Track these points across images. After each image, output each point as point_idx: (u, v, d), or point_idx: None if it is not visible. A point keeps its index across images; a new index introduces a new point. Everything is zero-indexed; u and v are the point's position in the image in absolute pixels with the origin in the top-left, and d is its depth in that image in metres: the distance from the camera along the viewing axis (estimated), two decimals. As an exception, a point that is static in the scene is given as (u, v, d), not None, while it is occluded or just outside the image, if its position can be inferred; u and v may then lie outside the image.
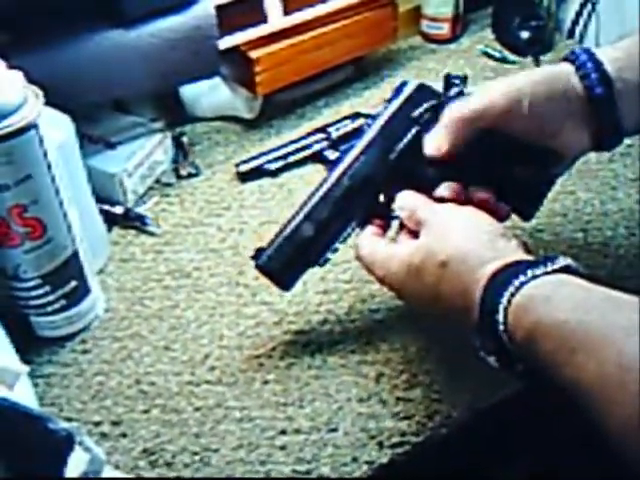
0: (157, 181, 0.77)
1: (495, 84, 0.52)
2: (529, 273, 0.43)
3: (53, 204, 0.53)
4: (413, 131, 0.53)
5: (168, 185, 0.77)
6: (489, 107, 0.50)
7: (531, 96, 0.50)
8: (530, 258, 0.46)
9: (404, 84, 0.55)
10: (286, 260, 0.54)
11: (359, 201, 0.54)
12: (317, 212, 0.54)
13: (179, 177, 0.78)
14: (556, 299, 0.41)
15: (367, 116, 0.81)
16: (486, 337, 0.45)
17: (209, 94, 0.83)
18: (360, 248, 0.53)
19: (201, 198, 0.76)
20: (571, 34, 0.96)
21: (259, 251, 0.55)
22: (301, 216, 0.54)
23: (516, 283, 0.42)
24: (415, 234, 0.50)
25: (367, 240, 0.53)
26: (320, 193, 0.54)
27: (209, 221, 0.73)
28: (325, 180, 0.54)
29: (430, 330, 0.60)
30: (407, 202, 0.52)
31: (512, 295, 0.42)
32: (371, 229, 0.54)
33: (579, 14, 0.95)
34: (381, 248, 0.52)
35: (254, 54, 0.76)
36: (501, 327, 0.43)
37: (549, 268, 0.43)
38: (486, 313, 0.44)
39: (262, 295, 0.64)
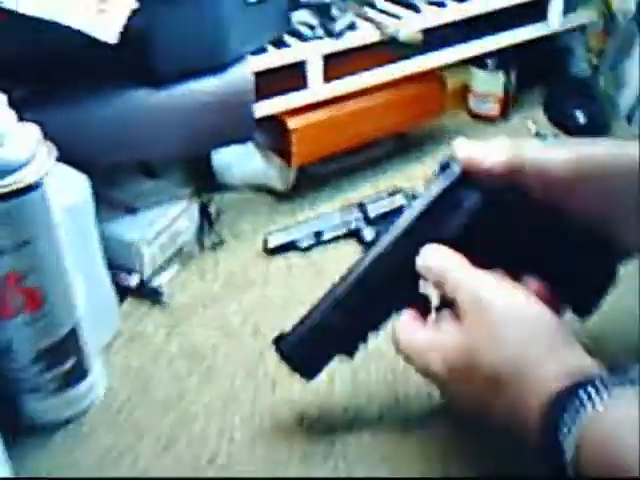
0: (179, 251, 0.72)
1: (559, 146, 0.46)
2: (604, 396, 0.35)
3: (55, 273, 0.47)
4: (459, 222, 0.46)
5: (190, 256, 0.72)
6: (550, 164, 0.44)
7: (601, 167, 0.44)
8: (602, 373, 0.38)
9: (447, 164, 0.48)
10: (311, 350, 0.49)
11: (396, 290, 0.47)
12: (349, 300, 0.48)
13: (203, 248, 0.73)
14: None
15: (407, 194, 0.75)
16: (548, 463, 0.37)
17: (241, 162, 0.79)
18: (397, 335, 0.46)
19: (224, 272, 0.70)
20: (629, 120, 0.90)
21: (282, 336, 0.50)
22: (331, 302, 0.48)
23: (589, 411, 0.34)
24: (455, 311, 0.43)
25: (404, 326, 0.46)
26: (353, 278, 0.48)
27: (230, 298, 0.67)
28: (360, 263, 0.48)
29: (479, 444, 0.51)
30: (434, 261, 0.45)
31: (582, 426, 0.34)
32: (409, 312, 0.47)
33: None
34: (419, 336, 0.45)
35: (292, 124, 0.72)
36: (568, 458, 0.35)
37: (630, 391, 0.35)
38: (550, 444, 0.36)
39: (282, 388, 0.57)
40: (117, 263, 0.65)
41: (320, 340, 0.48)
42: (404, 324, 0.46)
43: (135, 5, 0.53)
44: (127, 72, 0.61)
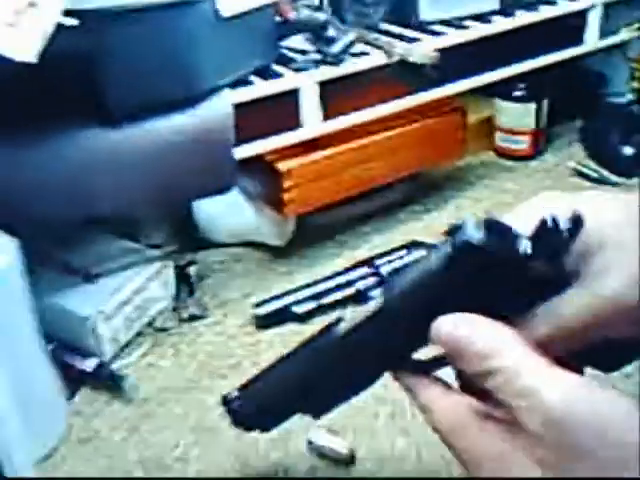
0: (150, 324, 0.59)
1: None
2: None
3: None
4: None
5: (163, 330, 0.59)
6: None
7: None
8: None
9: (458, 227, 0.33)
10: (269, 416, 0.40)
11: (386, 353, 0.34)
12: (322, 361, 0.36)
13: (180, 320, 0.60)
14: None
15: (427, 246, 0.63)
16: None
17: (228, 214, 0.67)
18: (444, 425, 0.32)
19: (204, 350, 0.57)
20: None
21: (235, 397, 0.41)
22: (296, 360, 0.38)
23: None
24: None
25: (451, 412, 0.32)
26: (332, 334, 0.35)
27: (210, 384, 0.54)
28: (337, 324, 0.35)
29: None
30: (482, 336, 0.30)
31: None
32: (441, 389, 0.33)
33: (693, 128, 0.76)
34: (483, 438, 0.30)
35: (283, 166, 0.60)
36: None
37: None
38: None
39: (270, 511, 0.43)
40: (69, 343, 0.53)
41: (280, 405, 0.39)
42: (447, 409, 0.32)
43: (72, 21, 0.41)
44: (74, 108, 0.49)
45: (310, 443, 0.46)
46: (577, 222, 0.30)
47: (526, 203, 0.34)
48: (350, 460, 0.45)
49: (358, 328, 0.33)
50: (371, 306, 0.33)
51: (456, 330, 0.30)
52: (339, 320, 0.35)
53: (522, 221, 0.32)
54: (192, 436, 0.49)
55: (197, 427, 0.50)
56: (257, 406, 0.40)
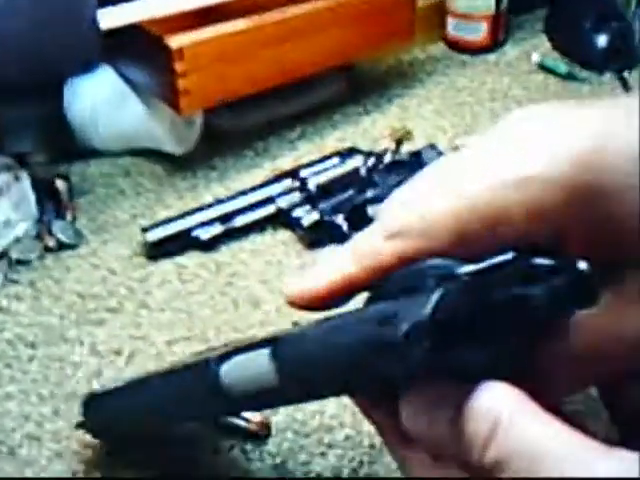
0: (1, 256, 0.45)
1: None
2: None
3: None
4: None
5: (20, 263, 0.45)
6: None
7: None
8: None
9: None
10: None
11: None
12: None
13: (46, 250, 0.46)
14: None
15: (366, 154, 0.50)
16: None
17: (110, 113, 0.52)
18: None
19: (75, 289, 0.45)
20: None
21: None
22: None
23: None
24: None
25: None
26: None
27: (79, 334, 0.41)
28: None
29: None
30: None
31: None
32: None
33: (674, 16, 0.65)
34: None
35: (174, 42, 0.45)
36: None
37: None
38: None
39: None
40: None
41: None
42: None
43: None
44: None
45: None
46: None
47: (493, 135, 0.20)
48: (264, 433, 0.34)
49: (247, 397, 0.24)
50: (262, 373, 0.22)
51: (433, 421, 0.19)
52: (221, 361, 0.24)
53: (493, 168, 0.19)
54: (49, 405, 0.36)
55: (56, 393, 0.37)
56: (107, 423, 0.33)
